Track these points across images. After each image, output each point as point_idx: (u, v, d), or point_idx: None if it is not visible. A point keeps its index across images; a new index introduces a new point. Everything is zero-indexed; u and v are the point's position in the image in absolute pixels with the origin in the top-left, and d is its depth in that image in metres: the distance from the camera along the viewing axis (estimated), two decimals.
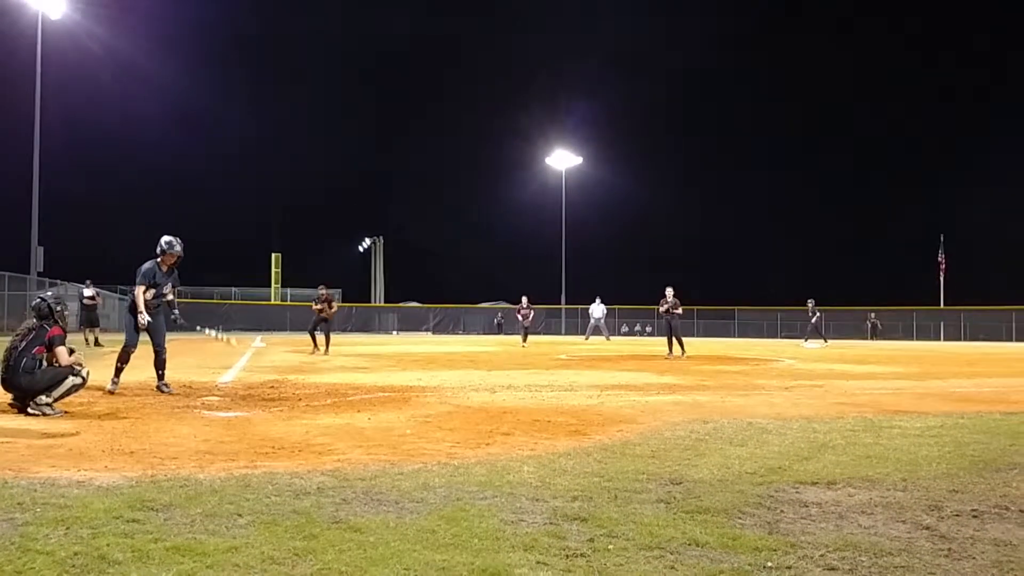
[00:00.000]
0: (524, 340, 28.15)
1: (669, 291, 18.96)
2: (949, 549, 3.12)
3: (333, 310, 19.92)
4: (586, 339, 34.66)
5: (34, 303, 7.61)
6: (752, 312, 49.21)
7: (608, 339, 34.75)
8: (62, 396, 7.05)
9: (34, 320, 7.43)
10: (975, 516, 3.64)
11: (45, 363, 7.14)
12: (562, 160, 52.89)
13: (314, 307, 19.80)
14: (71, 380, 7.09)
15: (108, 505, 3.59)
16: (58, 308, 7.55)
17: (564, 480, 4.32)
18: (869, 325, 44.72)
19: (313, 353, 18.67)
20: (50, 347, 7.22)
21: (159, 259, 9.04)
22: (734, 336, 46.38)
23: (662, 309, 19.13)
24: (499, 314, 51.13)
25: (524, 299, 28.67)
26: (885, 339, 42.05)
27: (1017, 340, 40.56)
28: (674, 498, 3.92)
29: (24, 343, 7.13)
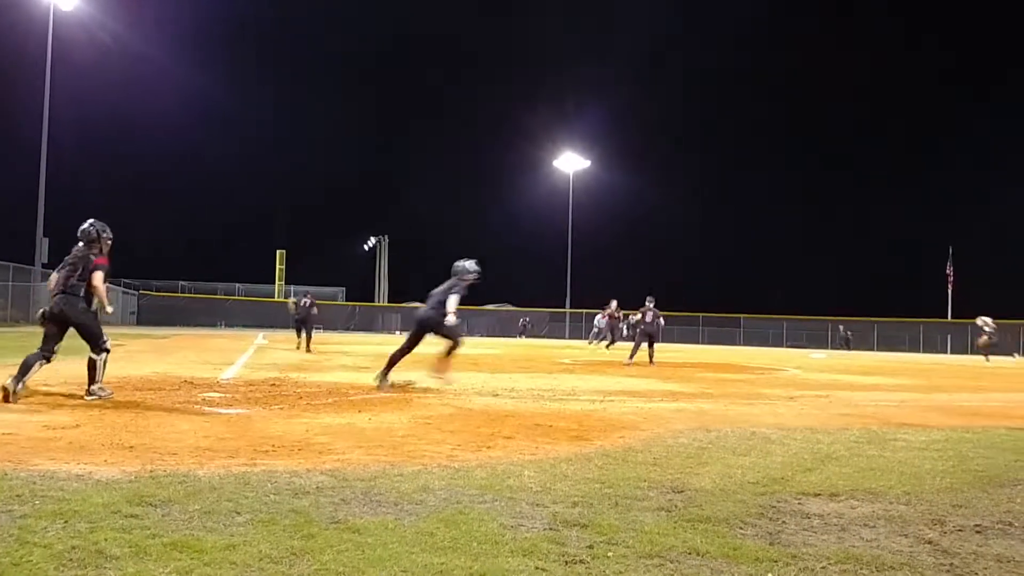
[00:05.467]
0: (609, 345, 29.04)
1: (651, 300, 18.72)
2: (951, 564, 3.09)
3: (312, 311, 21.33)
4: (590, 343, 34.36)
5: (83, 227, 7.75)
6: (758, 320, 49.11)
7: (606, 348, 33.44)
8: (103, 375, 7.59)
9: (82, 246, 7.67)
10: (978, 532, 3.61)
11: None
12: (570, 163, 52.94)
13: (291, 305, 21.97)
14: (103, 357, 7.61)
15: (107, 499, 3.58)
16: (104, 235, 7.78)
17: (565, 486, 4.30)
18: (841, 337, 44.14)
19: (298, 349, 19.85)
20: (91, 271, 7.51)
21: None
22: (739, 344, 46.29)
23: (648, 318, 18.69)
24: (526, 318, 50.79)
25: (613, 303, 29.38)
26: (895, 350, 41.87)
27: None
28: (675, 506, 3.90)
29: (73, 270, 7.46)
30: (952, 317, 48.13)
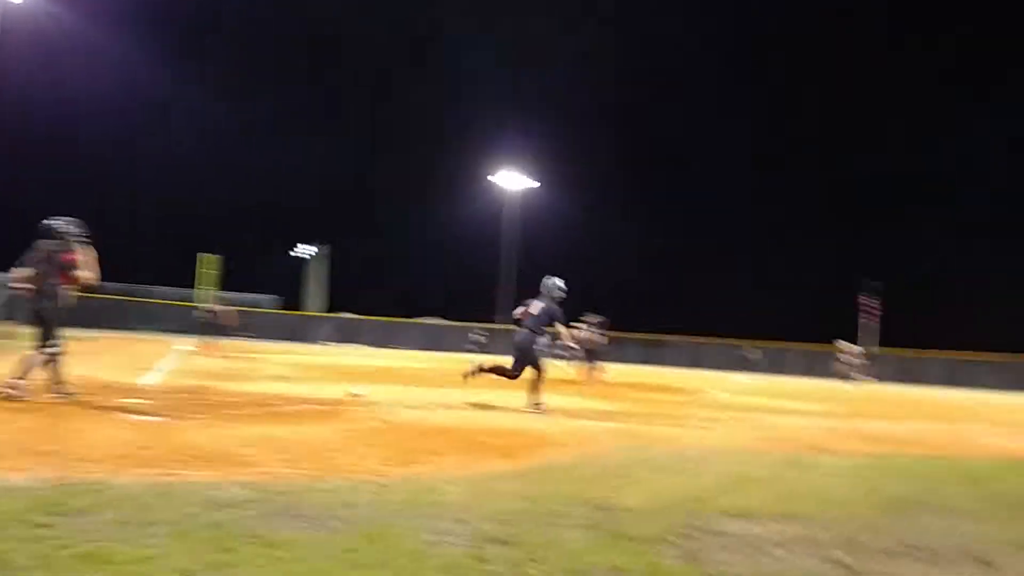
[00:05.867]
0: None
1: (595, 318, 18.68)
2: None
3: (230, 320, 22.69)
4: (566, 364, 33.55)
5: (52, 224, 7.84)
6: (684, 342, 49.82)
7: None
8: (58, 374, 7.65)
9: (50, 242, 7.74)
10: (887, 555, 3.73)
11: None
12: (508, 178, 52.89)
13: (202, 312, 23.56)
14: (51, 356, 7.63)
15: (15, 507, 3.45)
16: (70, 232, 7.86)
17: (491, 502, 4.30)
18: (744, 357, 43.39)
19: (213, 355, 20.44)
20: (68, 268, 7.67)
21: None
22: (667, 365, 46.92)
23: (596, 337, 18.81)
24: (479, 332, 49.52)
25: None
26: (814, 376, 42.80)
27: (951, 385, 41.72)
28: (600, 524, 3.94)
29: (45, 268, 7.58)
30: (880, 347, 49.77)
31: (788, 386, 26.38)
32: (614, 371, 21.80)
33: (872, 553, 3.73)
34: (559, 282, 10.59)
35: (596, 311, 18.90)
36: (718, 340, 47.43)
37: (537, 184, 53.48)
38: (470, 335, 48.14)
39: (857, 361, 30.76)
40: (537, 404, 10.02)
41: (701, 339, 48.64)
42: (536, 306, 10.45)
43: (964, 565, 3.63)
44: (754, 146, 75.18)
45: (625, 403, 12.86)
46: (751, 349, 42.16)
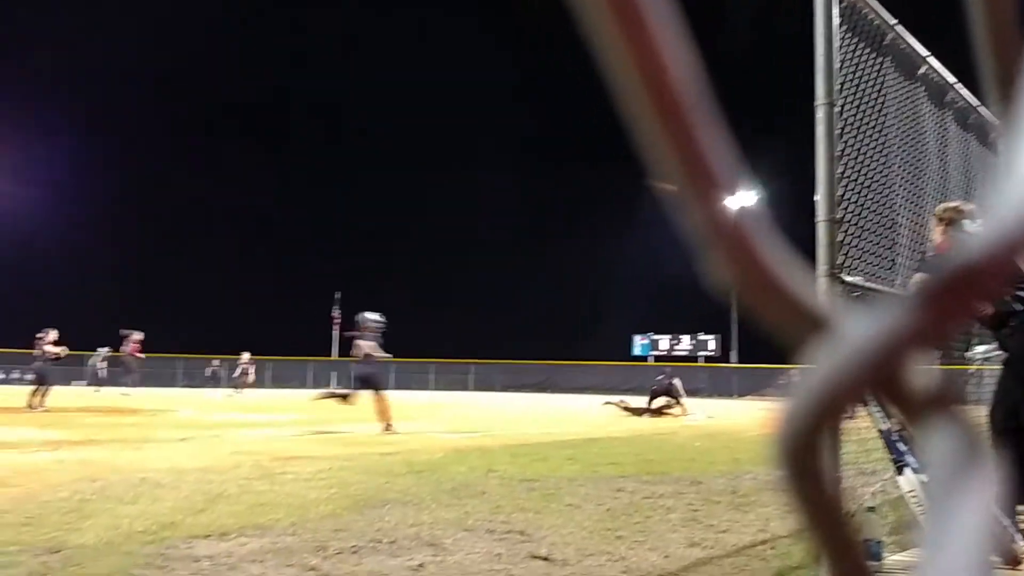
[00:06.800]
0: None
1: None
2: None
3: None
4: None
5: None
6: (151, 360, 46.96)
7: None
8: None
9: None
10: (354, 552, 3.97)
11: None
12: None
13: None
14: None
15: None
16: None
17: None
18: (211, 372, 40.39)
19: None
20: None
21: None
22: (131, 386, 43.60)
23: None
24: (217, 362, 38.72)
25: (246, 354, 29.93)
26: (287, 387, 43.76)
27: (396, 388, 46.00)
28: (51, 569, 3.48)
29: None
30: (338, 355, 52.81)
31: (262, 399, 26.54)
32: (69, 395, 19.57)
33: (342, 553, 3.94)
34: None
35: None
36: (187, 356, 45.65)
37: None
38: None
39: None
40: None
41: (166, 355, 46.23)
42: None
43: (419, 550, 4.04)
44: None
45: (80, 429, 11.60)
46: (215, 363, 40.97)
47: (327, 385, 47.91)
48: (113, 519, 4.65)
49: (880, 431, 3.74)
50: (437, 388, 45.37)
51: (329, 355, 52.98)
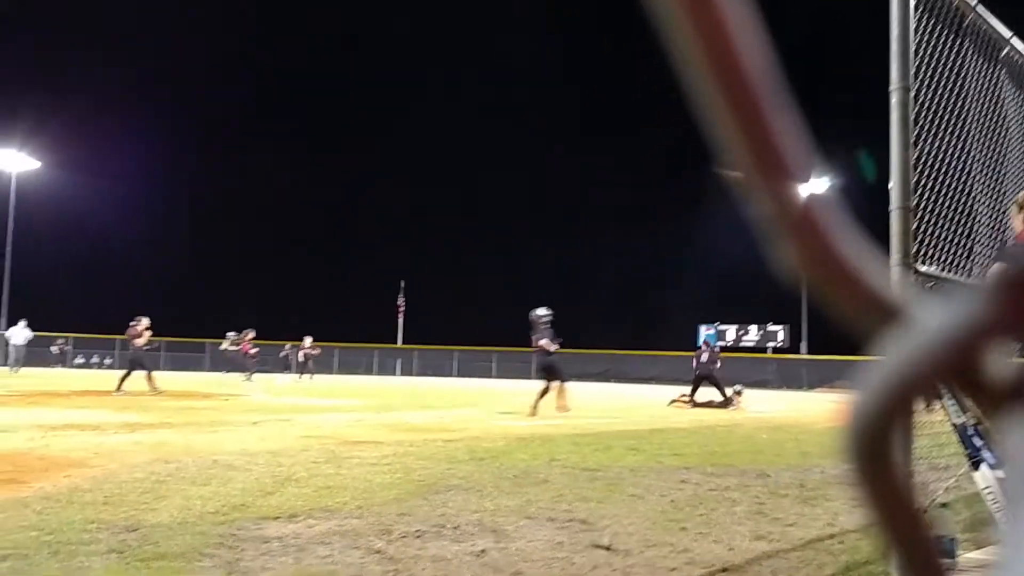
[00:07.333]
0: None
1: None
2: (396, 570, 3.40)
3: None
4: (13, 371, 29.23)
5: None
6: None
7: (16, 371, 28.67)
8: None
9: None
10: (418, 536, 4.03)
11: None
12: (11, 160, 44.65)
13: None
14: None
15: None
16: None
17: None
18: (283, 356, 39.17)
19: None
20: None
21: None
22: (206, 370, 44.94)
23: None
24: (63, 342, 41.44)
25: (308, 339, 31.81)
26: (354, 373, 44.48)
27: (459, 376, 46.42)
28: (128, 546, 3.62)
29: None
30: (402, 343, 53.40)
31: (329, 384, 27.07)
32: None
33: (406, 537, 4.00)
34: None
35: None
36: (260, 342, 46.71)
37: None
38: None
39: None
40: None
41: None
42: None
43: (481, 536, 4.08)
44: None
45: (156, 413, 12.01)
46: (287, 348, 41.43)
47: (392, 372, 48.64)
48: (186, 500, 4.81)
49: (955, 425, 3.63)
50: (499, 376, 45.55)
51: (395, 342, 53.65)
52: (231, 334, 32.37)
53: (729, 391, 17.61)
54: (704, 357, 18.46)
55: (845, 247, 0.33)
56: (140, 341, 17.61)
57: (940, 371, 0.31)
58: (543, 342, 13.83)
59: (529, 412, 12.89)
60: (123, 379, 16.78)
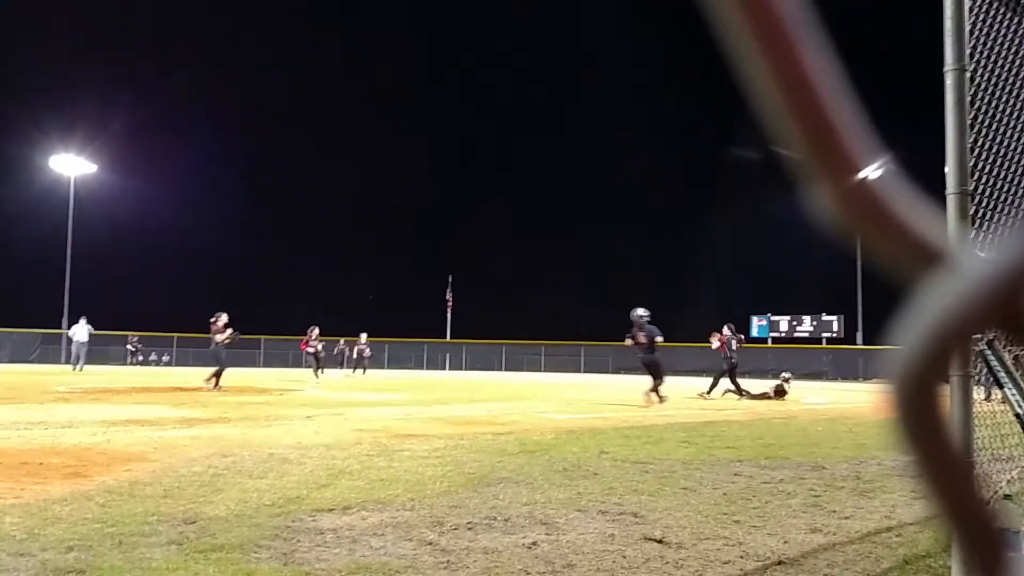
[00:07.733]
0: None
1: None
2: (448, 561, 3.43)
3: None
4: (77, 369, 30.00)
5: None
6: (277, 341, 49.03)
7: (80, 369, 29.40)
8: None
9: None
10: (470, 528, 4.05)
11: None
12: (70, 164, 46.15)
13: None
14: None
15: None
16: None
17: (57, 529, 3.81)
18: (336, 352, 39.35)
19: None
20: None
21: None
22: (260, 366, 45.75)
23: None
24: (135, 339, 43.03)
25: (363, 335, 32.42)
26: (403, 368, 44.87)
27: (507, 369, 46.55)
28: (187, 538, 3.70)
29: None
30: (451, 338, 53.67)
31: (380, 379, 27.35)
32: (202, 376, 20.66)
33: (457, 529, 4.03)
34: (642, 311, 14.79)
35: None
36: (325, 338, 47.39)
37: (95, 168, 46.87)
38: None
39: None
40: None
41: (294, 337, 48.10)
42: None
43: (532, 528, 4.09)
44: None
45: (215, 408, 12.26)
46: (340, 343, 41.97)
47: (442, 366, 48.93)
48: (243, 492, 4.90)
49: (1017, 415, 3.53)
50: (548, 369, 45.55)
51: (444, 337, 53.96)
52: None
53: (778, 380, 17.83)
54: (735, 345, 18.96)
55: (899, 204, 0.32)
56: (221, 337, 17.88)
57: (987, 316, 0.30)
58: (645, 338, 14.87)
59: (644, 403, 14.14)
60: (217, 375, 17.09)
